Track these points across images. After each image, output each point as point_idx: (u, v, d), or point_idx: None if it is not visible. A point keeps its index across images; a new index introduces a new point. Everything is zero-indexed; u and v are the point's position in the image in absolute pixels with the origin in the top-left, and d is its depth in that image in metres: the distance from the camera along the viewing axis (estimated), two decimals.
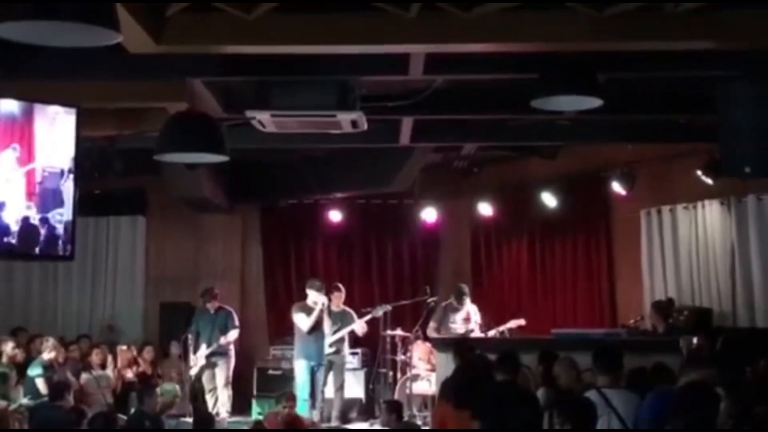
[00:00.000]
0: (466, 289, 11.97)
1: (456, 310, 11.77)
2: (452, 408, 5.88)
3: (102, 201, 13.82)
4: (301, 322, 11.48)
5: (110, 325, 14.07)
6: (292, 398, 9.79)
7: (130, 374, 12.30)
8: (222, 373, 12.01)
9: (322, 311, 11.48)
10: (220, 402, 11.96)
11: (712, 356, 7.54)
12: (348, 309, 12.20)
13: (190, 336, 12.00)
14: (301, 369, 11.47)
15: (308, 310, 11.52)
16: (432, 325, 11.79)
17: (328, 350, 11.83)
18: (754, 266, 10.75)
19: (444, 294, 12.83)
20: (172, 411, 10.59)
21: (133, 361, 12.52)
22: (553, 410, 5.08)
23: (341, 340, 11.96)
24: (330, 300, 12.03)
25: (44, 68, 7.11)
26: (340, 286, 12.29)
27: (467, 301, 11.80)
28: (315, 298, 11.53)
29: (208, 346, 11.93)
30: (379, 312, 12.11)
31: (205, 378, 12.08)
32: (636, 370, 6.78)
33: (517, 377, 6.70)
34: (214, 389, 12.05)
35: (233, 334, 12.06)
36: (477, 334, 11.62)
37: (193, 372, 12.05)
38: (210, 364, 12.01)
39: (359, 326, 12.04)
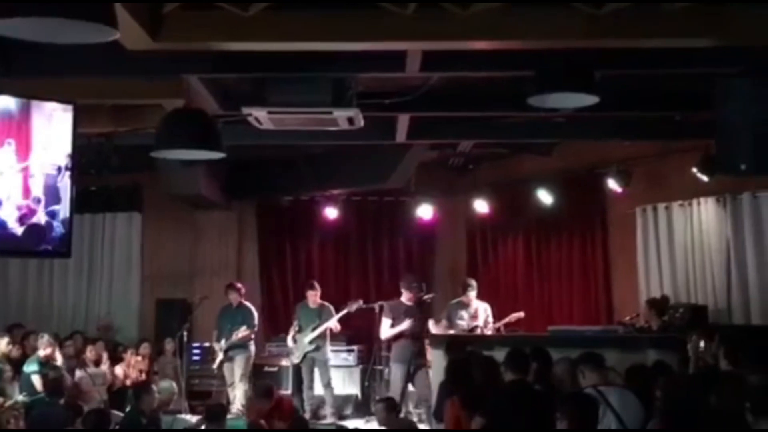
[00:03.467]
0: (471, 282, 11.90)
1: (465, 306, 11.69)
2: (460, 407, 5.90)
3: (98, 198, 13.84)
4: (404, 324, 11.36)
5: (106, 325, 14.04)
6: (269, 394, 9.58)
7: (134, 374, 12.31)
8: (239, 368, 12.03)
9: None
10: (236, 398, 11.97)
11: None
12: (326, 304, 12.19)
13: (215, 331, 12.14)
14: (400, 373, 11.09)
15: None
16: (443, 323, 11.74)
17: (308, 348, 11.87)
18: (749, 263, 10.78)
19: (441, 291, 12.86)
20: (169, 408, 10.58)
21: (139, 372, 12.50)
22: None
23: (322, 336, 11.97)
24: (306, 298, 12.09)
25: (41, 65, 7.10)
26: (315, 283, 12.33)
27: (472, 295, 11.72)
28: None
29: (226, 340, 11.97)
30: (353, 307, 12.14)
31: (226, 372, 12.14)
32: (633, 368, 6.78)
33: (527, 376, 6.71)
34: (233, 384, 12.08)
35: (242, 331, 11.97)
36: (486, 331, 11.55)
37: (214, 366, 12.14)
38: (227, 358, 12.05)
39: (334, 323, 12.02)
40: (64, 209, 6.66)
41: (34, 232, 6.46)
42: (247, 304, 12.37)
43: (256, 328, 12.24)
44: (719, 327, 10.22)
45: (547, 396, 6.06)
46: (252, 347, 12.23)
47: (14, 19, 4.67)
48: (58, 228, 6.63)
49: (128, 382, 12.09)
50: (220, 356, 12.04)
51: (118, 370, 12.22)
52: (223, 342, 11.99)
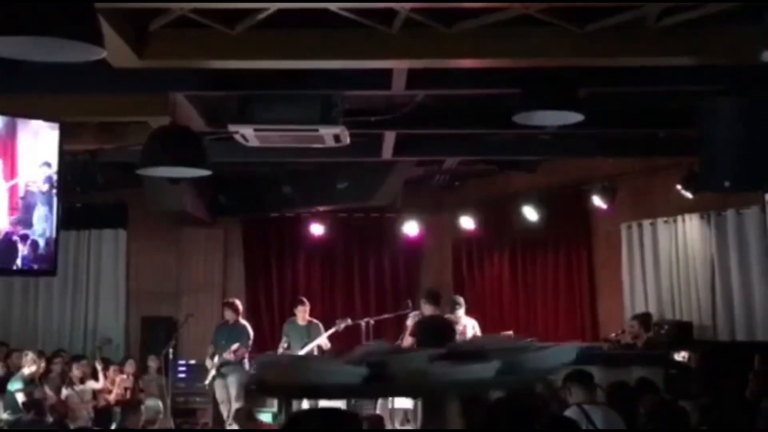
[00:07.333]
0: (459, 299, 11.88)
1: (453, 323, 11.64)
2: None
3: (83, 214, 13.79)
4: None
5: (100, 347, 13.94)
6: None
7: (119, 392, 12.26)
8: (233, 386, 11.95)
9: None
10: (231, 415, 11.91)
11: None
12: (315, 321, 12.15)
13: (211, 346, 12.06)
14: None
15: None
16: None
17: None
18: (734, 280, 10.80)
19: None
20: (154, 427, 10.56)
21: (124, 390, 12.42)
22: None
23: (311, 353, 11.93)
24: (294, 315, 12.06)
25: (27, 83, 7.10)
26: (304, 299, 12.28)
27: (460, 313, 11.69)
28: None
29: (219, 357, 11.92)
30: (341, 326, 12.08)
31: (217, 389, 12.06)
32: (615, 385, 6.78)
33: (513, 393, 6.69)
34: (225, 401, 12.01)
35: (234, 347, 11.89)
36: None
37: (207, 382, 12.08)
38: (220, 375, 11.96)
39: (324, 341, 11.98)
40: (50, 227, 6.65)
41: (12, 250, 6.44)
42: (243, 322, 12.29)
43: (249, 348, 12.16)
44: (703, 343, 10.27)
45: (531, 414, 6.06)
46: (247, 366, 12.16)
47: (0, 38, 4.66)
48: (43, 246, 6.61)
49: (112, 399, 12.03)
50: (212, 372, 11.98)
51: (101, 385, 12.11)
52: (216, 359, 11.94)
